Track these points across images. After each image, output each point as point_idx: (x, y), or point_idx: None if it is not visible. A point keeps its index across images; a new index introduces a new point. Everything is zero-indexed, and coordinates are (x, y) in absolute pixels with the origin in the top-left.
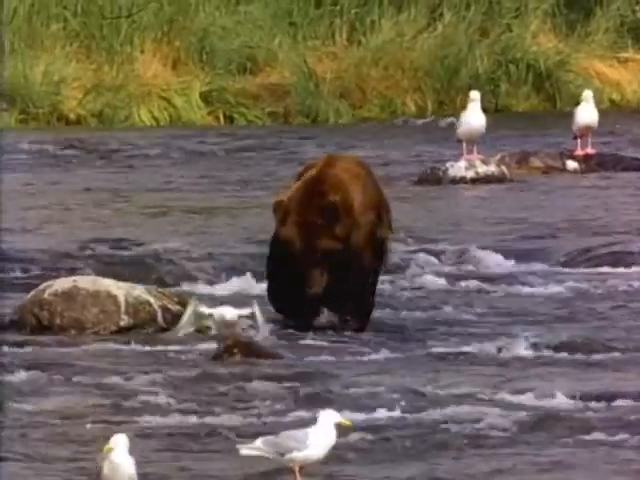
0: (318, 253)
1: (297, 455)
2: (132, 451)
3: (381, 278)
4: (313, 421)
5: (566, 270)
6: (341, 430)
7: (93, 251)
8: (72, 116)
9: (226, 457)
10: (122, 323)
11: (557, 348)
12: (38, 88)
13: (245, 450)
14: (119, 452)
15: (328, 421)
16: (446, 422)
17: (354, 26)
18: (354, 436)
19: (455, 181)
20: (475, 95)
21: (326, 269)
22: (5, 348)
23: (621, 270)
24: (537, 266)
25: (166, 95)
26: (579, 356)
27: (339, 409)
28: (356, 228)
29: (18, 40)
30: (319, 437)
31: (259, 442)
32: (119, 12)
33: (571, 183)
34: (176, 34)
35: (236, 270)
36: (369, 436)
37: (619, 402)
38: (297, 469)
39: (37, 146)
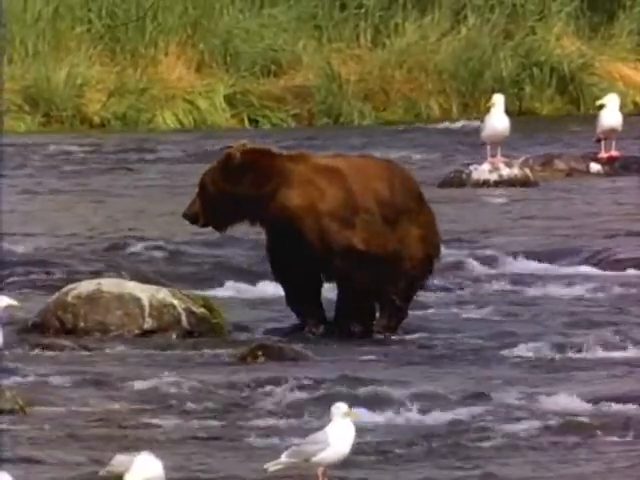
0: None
1: (322, 456)
2: (158, 454)
3: None
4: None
5: (593, 272)
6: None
7: (117, 253)
8: (96, 119)
9: (249, 459)
10: (146, 326)
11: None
12: (61, 91)
13: (273, 467)
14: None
15: (341, 414)
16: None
17: (378, 29)
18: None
19: (479, 184)
20: (497, 99)
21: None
22: (29, 351)
23: None
24: (564, 268)
25: (190, 98)
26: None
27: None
28: (324, 232)
29: (42, 42)
30: (337, 433)
31: (284, 456)
32: (144, 15)
33: (595, 186)
34: (200, 37)
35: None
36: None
37: None
38: (320, 473)
39: (59, 149)
